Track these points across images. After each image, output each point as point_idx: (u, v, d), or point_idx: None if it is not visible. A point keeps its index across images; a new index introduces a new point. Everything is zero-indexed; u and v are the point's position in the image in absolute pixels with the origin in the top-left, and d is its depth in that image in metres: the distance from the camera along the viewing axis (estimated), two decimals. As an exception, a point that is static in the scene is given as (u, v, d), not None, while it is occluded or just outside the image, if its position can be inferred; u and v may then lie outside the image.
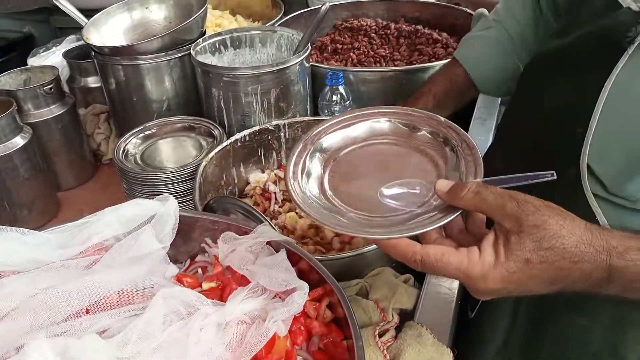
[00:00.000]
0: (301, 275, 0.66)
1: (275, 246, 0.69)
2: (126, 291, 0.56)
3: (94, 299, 0.54)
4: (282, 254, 0.65)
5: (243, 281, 0.63)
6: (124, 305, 0.55)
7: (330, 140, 0.64)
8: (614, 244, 0.50)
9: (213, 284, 0.62)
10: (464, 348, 0.73)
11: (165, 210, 0.68)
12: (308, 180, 0.60)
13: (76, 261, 0.67)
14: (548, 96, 0.73)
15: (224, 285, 0.62)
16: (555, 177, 0.54)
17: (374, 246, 0.75)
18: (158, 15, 1.33)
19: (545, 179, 0.54)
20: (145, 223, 0.71)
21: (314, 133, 0.64)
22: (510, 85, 0.95)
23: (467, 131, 0.61)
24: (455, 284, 0.74)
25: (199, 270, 0.70)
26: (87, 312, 0.54)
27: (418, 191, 0.56)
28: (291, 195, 0.57)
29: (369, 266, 0.77)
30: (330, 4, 1.15)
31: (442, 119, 0.63)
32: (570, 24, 0.75)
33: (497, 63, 0.97)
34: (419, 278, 0.78)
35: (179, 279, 0.62)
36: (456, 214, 0.52)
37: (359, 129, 0.65)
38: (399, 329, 0.68)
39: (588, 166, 0.65)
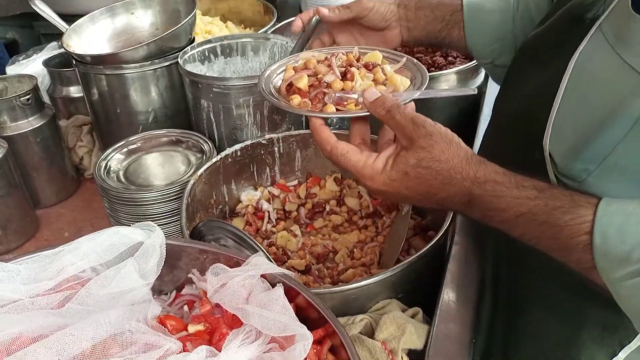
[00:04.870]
0: (299, 312, 0.59)
1: (270, 278, 0.62)
2: (101, 341, 0.49)
3: (67, 357, 0.47)
4: (279, 289, 0.58)
5: (234, 322, 0.56)
6: (97, 357, 0.48)
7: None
8: (479, 174, 0.58)
9: (200, 327, 0.55)
10: None
11: (151, 243, 0.61)
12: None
13: (47, 298, 0.60)
14: (525, 83, 0.73)
15: (212, 328, 0.55)
16: (475, 93, 0.67)
17: (380, 277, 0.69)
18: (144, 21, 1.26)
19: (468, 94, 0.69)
20: (125, 253, 0.64)
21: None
22: (496, 50, 0.91)
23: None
24: (469, 319, 0.68)
25: (185, 307, 0.63)
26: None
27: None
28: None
29: (373, 298, 0.71)
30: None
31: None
32: (550, 11, 0.75)
33: (495, 16, 0.91)
34: (428, 311, 0.71)
35: (161, 322, 0.55)
36: (361, 114, 0.65)
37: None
38: (408, 371, 0.62)
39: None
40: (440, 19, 0.93)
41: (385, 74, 0.71)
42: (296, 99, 0.68)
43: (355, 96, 0.67)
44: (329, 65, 0.71)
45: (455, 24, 0.92)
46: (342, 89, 0.68)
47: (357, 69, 0.71)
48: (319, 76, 0.70)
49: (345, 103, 0.67)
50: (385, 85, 0.70)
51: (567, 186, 0.60)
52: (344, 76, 0.69)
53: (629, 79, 0.54)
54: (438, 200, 0.60)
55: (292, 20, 0.99)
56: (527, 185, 0.56)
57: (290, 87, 0.70)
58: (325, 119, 0.66)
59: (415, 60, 0.75)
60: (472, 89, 0.66)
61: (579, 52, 0.61)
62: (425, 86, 0.68)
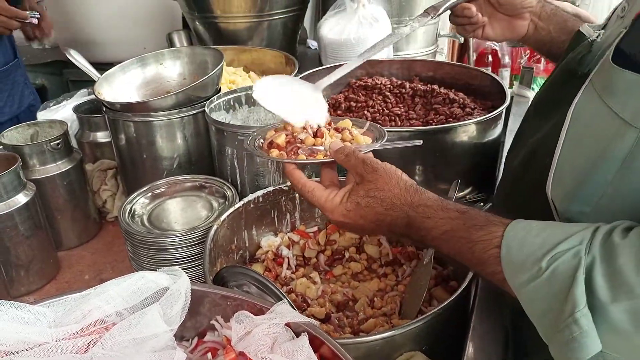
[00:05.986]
0: (323, 362, 0.59)
1: (294, 327, 0.62)
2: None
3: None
4: (304, 339, 0.58)
5: (259, 371, 0.55)
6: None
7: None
8: (414, 200, 0.67)
9: (226, 376, 0.54)
10: None
11: (176, 288, 0.61)
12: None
13: (72, 342, 0.60)
14: (532, 135, 0.81)
15: (238, 377, 0.55)
16: (421, 144, 0.82)
17: (404, 328, 0.69)
18: (172, 71, 1.31)
19: (415, 144, 0.83)
20: (151, 298, 0.65)
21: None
22: None
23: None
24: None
25: (209, 355, 0.62)
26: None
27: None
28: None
29: (397, 350, 0.70)
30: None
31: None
32: (555, 67, 0.85)
33: None
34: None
35: (187, 370, 0.55)
36: (324, 161, 0.77)
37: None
38: None
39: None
40: (569, 30, 0.99)
41: (351, 135, 0.83)
42: (274, 152, 0.81)
43: (323, 148, 0.79)
44: (304, 127, 0.84)
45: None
46: (314, 144, 0.80)
47: (328, 130, 0.83)
48: (295, 134, 0.82)
49: (316, 154, 0.79)
50: (351, 142, 0.82)
51: None
52: (315, 135, 0.82)
53: (614, 123, 0.59)
54: (387, 225, 0.68)
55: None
56: (451, 208, 0.65)
57: (271, 145, 0.83)
58: (297, 165, 0.78)
59: (377, 125, 0.88)
60: (417, 142, 0.83)
61: (574, 104, 0.67)
62: (383, 140, 0.82)
